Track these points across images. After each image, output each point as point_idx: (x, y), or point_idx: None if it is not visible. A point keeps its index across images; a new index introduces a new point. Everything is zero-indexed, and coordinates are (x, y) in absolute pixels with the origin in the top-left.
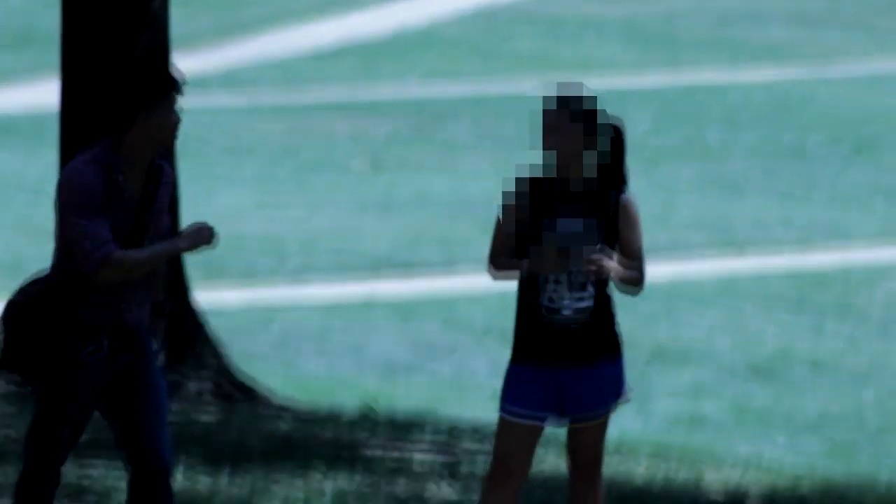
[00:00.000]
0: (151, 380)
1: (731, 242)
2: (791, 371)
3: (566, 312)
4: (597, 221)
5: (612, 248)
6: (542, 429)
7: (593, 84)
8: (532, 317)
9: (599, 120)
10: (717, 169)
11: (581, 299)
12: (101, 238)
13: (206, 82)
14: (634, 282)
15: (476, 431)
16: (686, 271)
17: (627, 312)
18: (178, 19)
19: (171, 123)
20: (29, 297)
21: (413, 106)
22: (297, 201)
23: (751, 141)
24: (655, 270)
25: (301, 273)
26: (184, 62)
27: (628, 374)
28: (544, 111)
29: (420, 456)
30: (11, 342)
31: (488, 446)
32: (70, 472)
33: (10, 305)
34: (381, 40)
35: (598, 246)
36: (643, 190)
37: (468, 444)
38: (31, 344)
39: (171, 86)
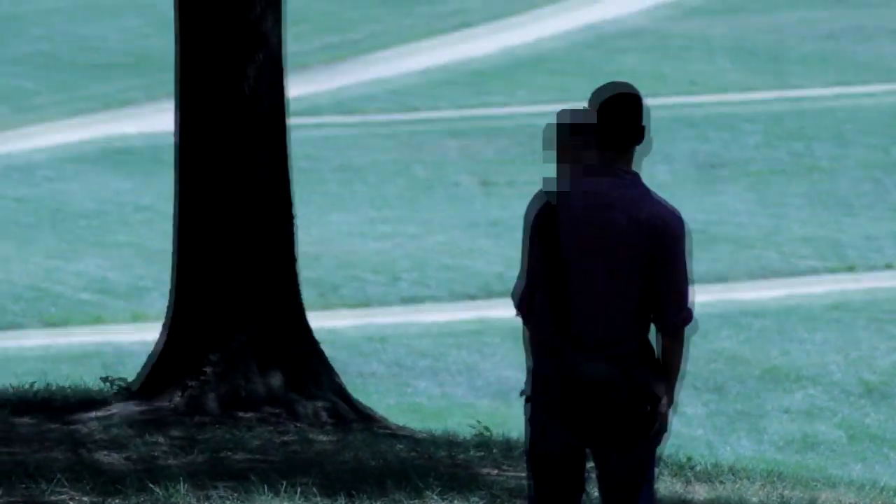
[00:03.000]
0: None
1: (841, 260)
2: None
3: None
4: None
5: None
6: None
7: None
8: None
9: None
10: (827, 186)
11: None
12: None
13: (318, 104)
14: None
15: None
16: (796, 289)
17: (739, 332)
18: (289, 39)
19: None
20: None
21: (522, 125)
22: (409, 219)
23: (860, 157)
24: (766, 289)
25: (413, 294)
26: (295, 83)
27: (742, 391)
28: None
29: None
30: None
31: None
32: None
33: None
34: (490, 61)
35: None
36: (752, 207)
37: None
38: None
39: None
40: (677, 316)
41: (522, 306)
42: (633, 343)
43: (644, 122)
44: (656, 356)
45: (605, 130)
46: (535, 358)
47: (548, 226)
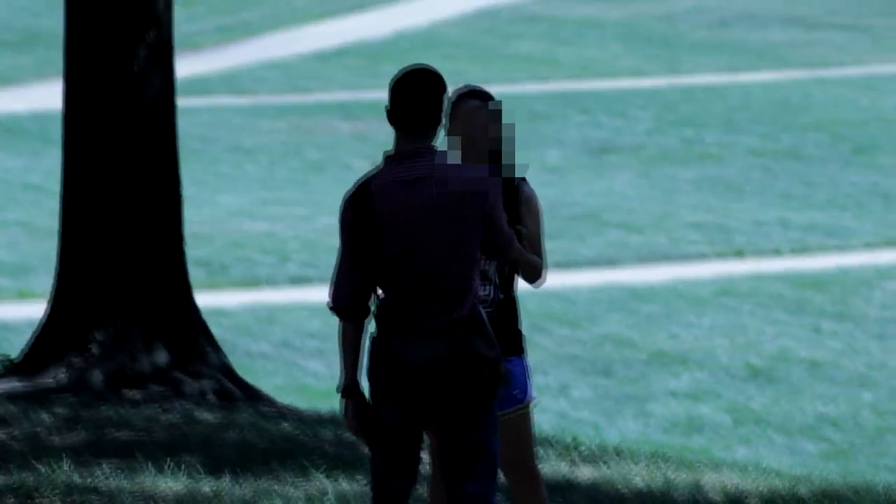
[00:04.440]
0: None
1: (729, 244)
2: (789, 373)
3: None
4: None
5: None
6: None
7: (594, 85)
8: None
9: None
10: (716, 171)
11: (484, 288)
12: None
13: (208, 83)
14: (537, 268)
15: None
16: (685, 274)
17: (627, 315)
18: (181, 20)
19: None
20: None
21: None
22: (300, 200)
23: (749, 143)
24: (654, 273)
25: (302, 274)
26: (186, 63)
27: (629, 374)
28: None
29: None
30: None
31: None
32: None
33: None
34: (382, 42)
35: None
36: (642, 192)
37: None
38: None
39: None
40: (508, 251)
41: (347, 302)
42: (463, 309)
43: (441, 103)
44: (486, 321)
45: (396, 112)
46: (372, 346)
47: (366, 217)
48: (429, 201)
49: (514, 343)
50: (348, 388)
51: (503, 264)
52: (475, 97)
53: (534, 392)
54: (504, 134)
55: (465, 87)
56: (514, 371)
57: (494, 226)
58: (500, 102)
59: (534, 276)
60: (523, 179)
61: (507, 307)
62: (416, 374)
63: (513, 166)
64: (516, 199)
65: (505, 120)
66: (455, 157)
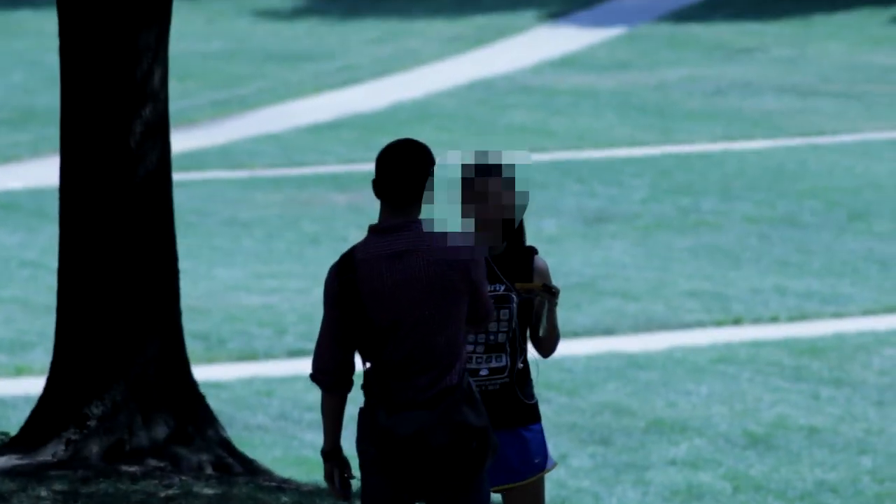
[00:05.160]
0: None
1: (726, 312)
2: (788, 440)
3: (483, 373)
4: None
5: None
6: None
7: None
8: None
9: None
10: (713, 239)
11: (498, 359)
12: None
13: (204, 157)
14: (557, 335)
15: None
16: (682, 341)
17: (625, 383)
18: (176, 95)
19: None
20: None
21: None
22: (296, 273)
23: (745, 210)
24: (652, 341)
25: (300, 347)
26: (182, 138)
27: (627, 442)
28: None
29: None
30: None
31: None
32: None
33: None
34: (376, 114)
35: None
36: (638, 260)
37: None
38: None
39: None
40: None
41: (330, 374)
42: (452, 378)
43: (426, 176)
44: (474, 390)
45: (381, 184)
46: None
47: (351, 289)
48: (415, 274)
49: (532, 411)
50: (329, 452)
51: (478, 333)
52: (488, 171)
53: (553, 459)
54: (517, 202)
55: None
56: (535, 439)
57: (478, 295)
58: (513, 168)
59: (552, 348)
60: (535, 251)
61: (524, 376)
62: (404, 446)
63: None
64: (530, 270)
65: (518, 188)
66: (469, 228)
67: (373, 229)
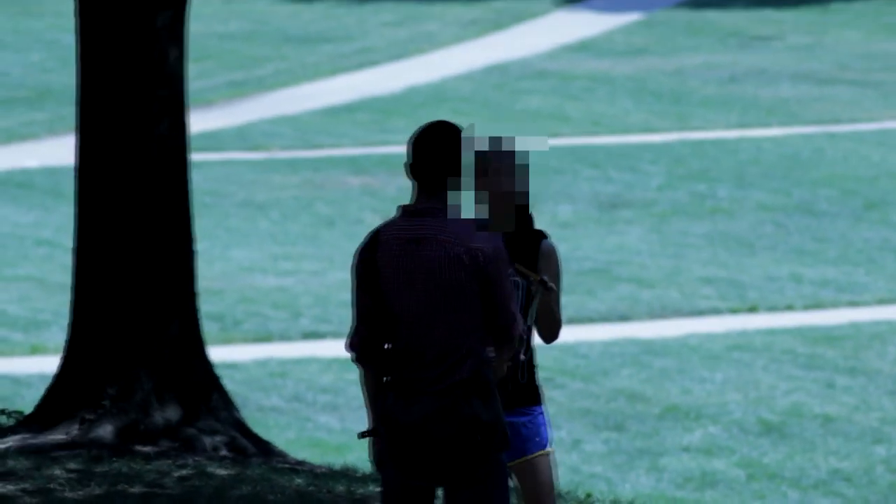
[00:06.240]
0: None
1: (741, 299)
2: (802, 429)
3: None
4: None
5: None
6: None
7: (604, 140)
8: None
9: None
10: (728, 226)
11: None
12: None
13: (220, 138)
14: (560, 326)
15: None
16: (697, 328)
17: (640, 369)
18: (193, 76)
19: None
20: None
21: None
22: (311, 255)
23: (761, 198)
24: (667, 327)
25: (314, 329)
26: (199, 119)
27: (642, 429)
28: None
29: None
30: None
31: None
32: None
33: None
34: (392, 97)
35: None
36: (654, 247)
37: None
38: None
39: None
40: (508, 333)
41: (360, 347)
42: (463, 372)
43: (456, 155)
44: (491, 384)
45: (415, 163)
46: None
47: (371, 269)
48: (429, 263)
49: (534, 394)
50: (370, 431)
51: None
52: (499, 150)
53: (549, 443)
54: (518, 188)
55: (488, 140)
56: (536, 420)
57: (494, 295)
58: (527, 155)
59: (555, 334)
60: (545, 235)
61: (528, 362)
62: (407, 432)
63: (526, 194)
64: (536, 254)
65: (518, 174)
66: (483, 212)
67: (403, 210)
